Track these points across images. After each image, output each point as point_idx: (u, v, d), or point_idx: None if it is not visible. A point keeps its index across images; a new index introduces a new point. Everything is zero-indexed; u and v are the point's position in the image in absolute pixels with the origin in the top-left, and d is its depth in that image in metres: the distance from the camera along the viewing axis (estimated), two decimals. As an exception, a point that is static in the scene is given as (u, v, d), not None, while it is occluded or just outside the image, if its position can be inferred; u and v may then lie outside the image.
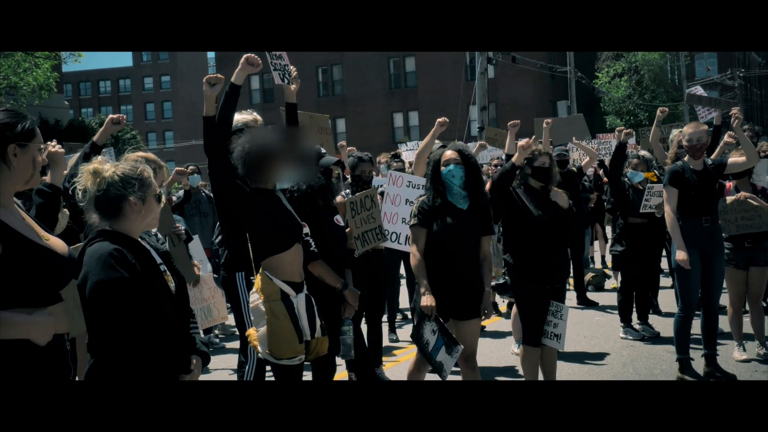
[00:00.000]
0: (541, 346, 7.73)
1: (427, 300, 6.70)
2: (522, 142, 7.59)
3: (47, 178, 6.03)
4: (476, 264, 7.03)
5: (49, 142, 5.83)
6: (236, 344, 9.19)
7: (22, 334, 3.68)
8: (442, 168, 7.00)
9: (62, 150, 6.17)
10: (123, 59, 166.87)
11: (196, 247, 8.90)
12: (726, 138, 9.42)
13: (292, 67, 7.39)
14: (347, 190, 8.81)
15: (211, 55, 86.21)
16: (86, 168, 4.42)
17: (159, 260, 4.47)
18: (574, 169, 13.40)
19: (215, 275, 7.63)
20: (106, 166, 4.45)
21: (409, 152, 16.22)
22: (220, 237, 7.58)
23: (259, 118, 6.97)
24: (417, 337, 6.87)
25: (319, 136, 9.25)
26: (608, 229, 15.57)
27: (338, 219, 7.26)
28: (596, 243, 18.13)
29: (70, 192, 5.71)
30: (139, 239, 4.47)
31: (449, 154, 7.04)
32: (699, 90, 13.65)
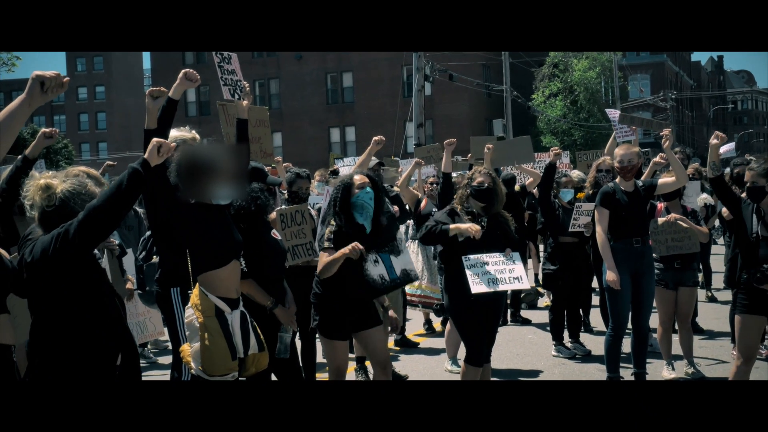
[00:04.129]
0: (483, 366, 7.63)
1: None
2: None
3: None
4: None
5: None
6: (169, 359, 9.10)
7: None
8: (357, 191, 6.99)
9: None
10: (56, 68, 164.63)
11: (129, 261, 8.73)
12: (657, 159, 9.58)
13: (244, 82, 7.32)
14: (283, 206, 8.73)
15: (147, 66, 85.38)
16: (36, 183, 4.40)
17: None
18: (518, 188, 13.37)
19: (139, 291, 7.44)
20: (55, 181, 4.44)
21: (345, 168, 16.17)
22: (144, 253, 7.44)
23: (197, 136, 6.84)
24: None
25: (256, 129, 8.81)
26: (542, 248, 15.68)
27: (275, 233, 7.23)
28: (530, 261, 18.24)
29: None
30: None
31: (361, 178, 7.07)
32: (616, 114, 13.81)
